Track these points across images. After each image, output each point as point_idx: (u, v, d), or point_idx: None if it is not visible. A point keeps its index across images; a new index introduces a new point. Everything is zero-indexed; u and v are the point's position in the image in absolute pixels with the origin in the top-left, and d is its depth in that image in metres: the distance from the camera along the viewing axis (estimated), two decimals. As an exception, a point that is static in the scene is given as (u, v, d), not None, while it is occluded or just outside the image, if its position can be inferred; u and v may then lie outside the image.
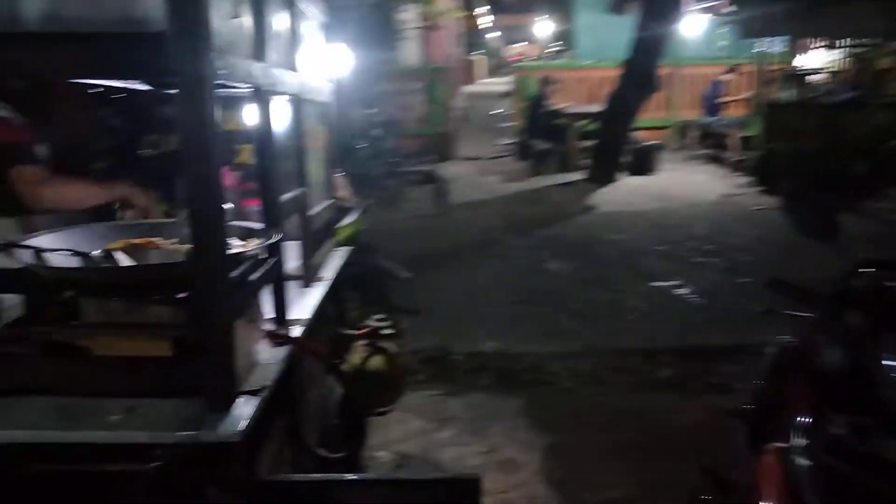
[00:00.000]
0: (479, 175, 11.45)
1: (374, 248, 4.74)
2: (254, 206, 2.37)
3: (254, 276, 1.59)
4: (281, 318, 1.86)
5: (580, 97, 12.59)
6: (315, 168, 2.82)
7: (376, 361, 2.76)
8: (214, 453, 1.26)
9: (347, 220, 4.56)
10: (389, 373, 2.78)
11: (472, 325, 5.11)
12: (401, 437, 3.59)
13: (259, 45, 1.74)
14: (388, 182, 10.00)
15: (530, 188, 10.23)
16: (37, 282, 1.45)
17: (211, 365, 1.33)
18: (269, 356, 1.66)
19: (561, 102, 11.70)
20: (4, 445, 1.26)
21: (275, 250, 1.78)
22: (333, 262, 2.73)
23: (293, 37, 2.17)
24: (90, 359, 1.39)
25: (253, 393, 1.43)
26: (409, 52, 14.13)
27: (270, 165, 1.76)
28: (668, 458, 3.24)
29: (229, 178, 2.94)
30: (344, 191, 4.63)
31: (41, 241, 1.57)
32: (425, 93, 12.78)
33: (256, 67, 1.67)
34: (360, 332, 2.73)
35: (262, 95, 1.72)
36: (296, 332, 1.85)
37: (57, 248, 1.48)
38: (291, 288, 2.26)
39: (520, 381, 4.24)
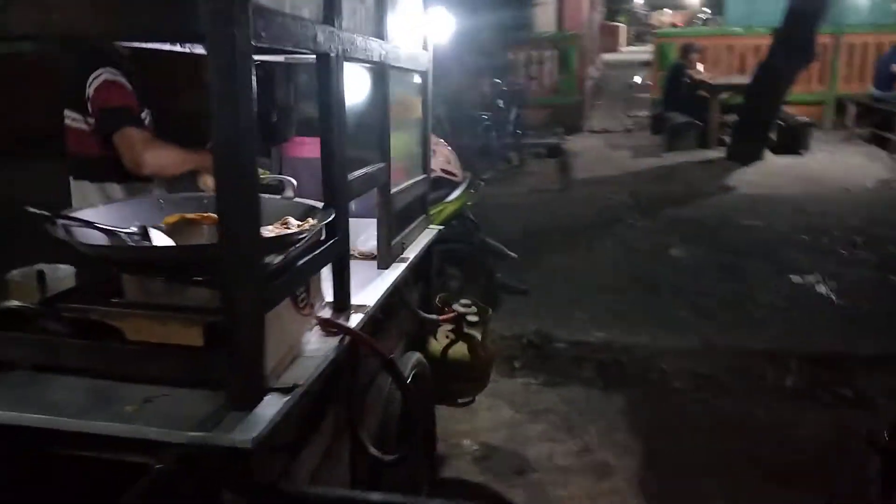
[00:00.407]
0: (608, 149, 10.94)
1: (480, 226, 4.54)
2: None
3: (303, 259, 1.46)
4: (341, 305, 1.73)
5: (726, 67, 11.67)
6: (406, 141, 2.68)
7: (459, 349, 2.62)
8: (226, 458, 1.15)
9: (453, 195, 4.44)
10: (472, 362, 2.63)
11: (579, 312, 4.85)
12: (489, 426, 3.43)
13: (330, 7, 1.58)
14: (509, 155, 9.77)
15: (663, 164, 9.62)
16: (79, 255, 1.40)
17: (233, 357, 1.21)
18: (318, 347, 1.54)
19: (704, 72, 10.89)
20: (19, 428, 1.21)
21: (335, 230, 1.64)
22: (421, 242, 2.58)
23: (380, 1, 2.01)
24: (120, 341, 1.32)
25: (285, 391, 1.31)
26: (544, 17, 13.66)
27: (334, 138, 1.61)
28: (784, 480, 2.89)
29: (306, 149, 2.86)
30: (452, 164, 4.48)
31: (93, 212, 1.52)
32: (557, 61, 12.32)
33: (323, 31, 1.52)
34: (444, 317, 2.59)
35: (327, 62, 1.57)
36: (355, 320, 1.72)
37: (93, 221, 1.41)
38: (364, 270, 2.15)
39: (625, 377, 3.95)
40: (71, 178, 2.54)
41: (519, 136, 9.81)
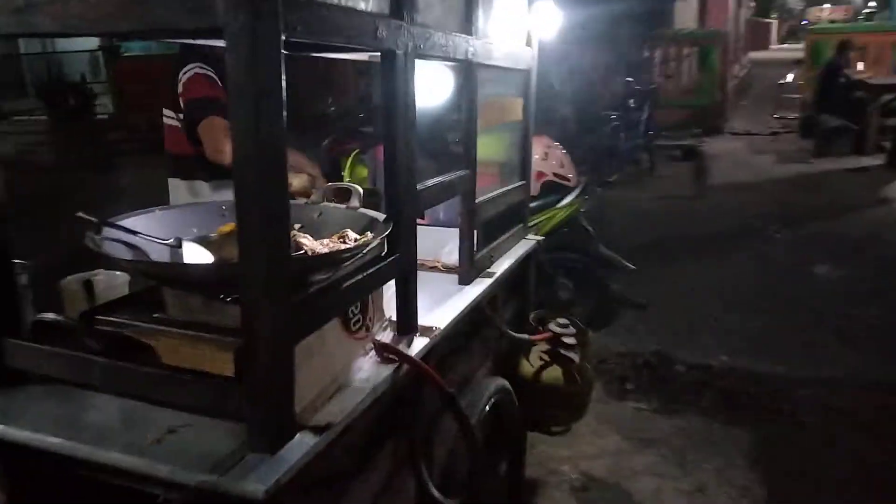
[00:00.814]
0: (750, 153, 10.20)
1: (594, 234, 4.26)
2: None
3: (353, 279, 1.31)
4: (406, 327, 1.57)
5: (888, 66, 10.52)
6: (502, 145, 2.48)
7: (553, 373, 2.39)
8: (237, 507, 1.01)
9: (564, 201, 4.19)
10: (567, 388, 2.40)
11: (703, 332, 4.44)
12: (591, 452, 3.17)
13: (401, 2, 1.42)
14: (639, 157, 9.30)
15: (811, 172, 8.82)
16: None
17: (252, 392, 1.08)
18: (370, 377, 1.38)
19: (863, 72, 9.87)
20: (40, 450, 1.14)
21: (397, 245, 1.48)
22: (515, 254, 2.38)
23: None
24: (150, 362, 1.22)
25: (317, 430, 1.16)
26: (685, 13, 12.95)
27: (399, 144, 1.45)
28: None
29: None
30: (565, 168, 4.23)
31: (147, 218, 1.44)
32: (697, 59, 11.63)
33: (387, 25, 1.36)
34: (537, 337, 2.37)
35: (392, 59, 1.41)
36: (419, 344, 1.55)
37: (134, 230, 1.33)
38: (447, 284, 1.98)
39: (749, 408, 3.54)
40: (168, 177, 2.56)
41: (650, 137, 9.31)
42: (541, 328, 2.45)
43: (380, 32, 1.34)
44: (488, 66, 2.04)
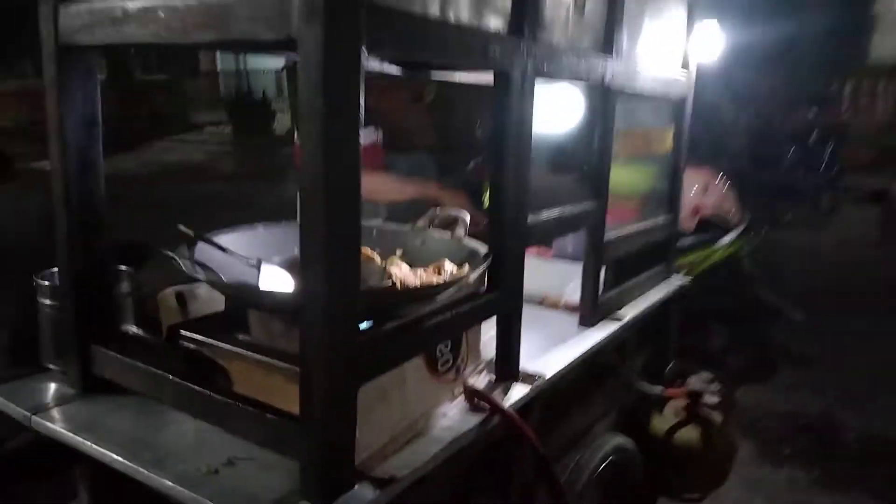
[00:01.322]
0: (956, 198, 8.93)
1: (756, 277, 3.85)
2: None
3: (438, 318, 1.19)
4: (505, 373, 1.42)
5: None
6: (645, 177, 2.27)
7: (689, 433, 2.13)
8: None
9: (724, 240, 3.83)
10: (705, 452, 2.12)
11: (883, 397, 3.86)
12: (733, 526, 2.81)
13: (520, 13, 1.29)
14: (820, 196, 8.45)
15: None
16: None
17: (307, 433, 0.98)
18: (454, 425, 1.25)
19: None
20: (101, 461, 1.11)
21: (498, 281, 1.34)
22: (653, 296, 2.15)
23: (613, 13, 1.66)
24: (221, 386, 1.17)
25: (379, 482, 1.05)
26: (885, 42, 11.72)
27: (507, 170, 1.31)
28: None
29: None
30: (726, 204, 3.87)
31: (249, 235, 1.42)
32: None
33: (501, 43, 1.24)
34: (673, 392, 2.12)
35: (507, 80, 1.28)
36: (519, 392, 1.39)
37: (224, 247, 1.29)
38: (567, 325, 1.81)
39: (934, 498, 3.00)
40: None
41: (834, 175, 8.44)
42: (679, 382, 2.20)
43: (491, 51, 1.22)
44: (629, 92, 1.85)
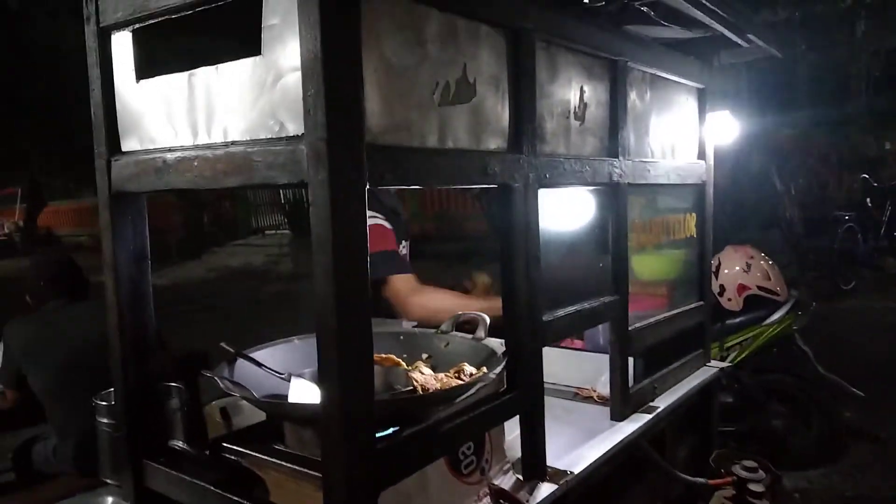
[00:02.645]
0: None
1: (810, 354, 3.76)
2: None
3: (461, 417, 1.26)
4: (532, 472, 1.46)
5: None
6: (670, 264, 2.32)
7: (737, 525, 2.07)
8: None
9: (773, 317, 3.77)
10: (754, 546, 2.05)
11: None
12: None
13: (517, 133, 1.41)
14: (883, 261, 8.19)
15: None
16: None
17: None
18: (482, 525, 1.29)
19: None
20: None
21: (516, 381, 1.40)
22: (689, 383, 2.15)
23: (615, 116, 1.77)
24: (260, 496, 1.25)
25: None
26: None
27: (518, 272, 1.40)
28: None
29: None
30: (772, 280, 3.84)
31: (276, 350, 1.53)
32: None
33: (501, 161, 1.36)
34: (717, 482, 2.08)
35: (509, 192, 1.39)
36: (546, 491, 1.43)
37: (261, 362, 1.40)
38: (600, 418, 1.84)
39: None
40: None
41: (895, 239, 8.21)
42: (724, 471, 2.16)
43: (490, 169, 1.33)
44: (644, 186, 1.94)
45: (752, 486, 2.08)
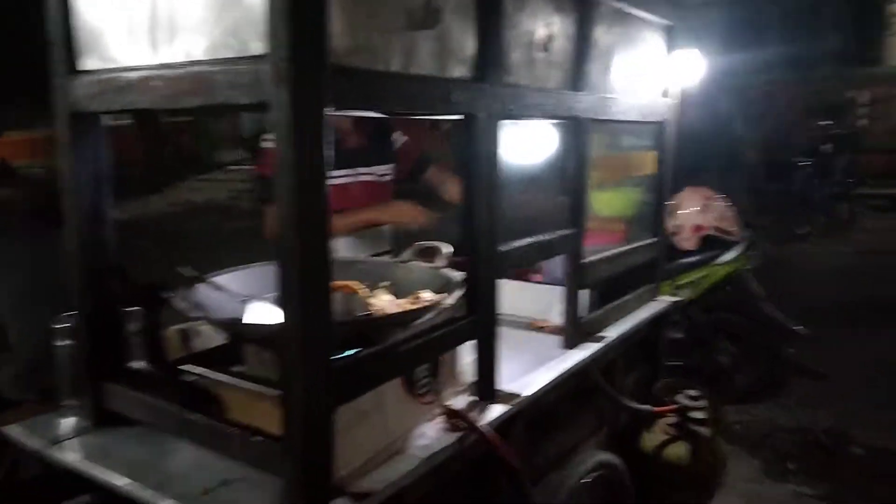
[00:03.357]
0: (977, 204, 8.87)
1: (760, 293, 3.89)
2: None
3: (416, 340, 1.30)
4: (484, 393, 1.52)
5: None
6: (628, 201, 2.37)
7: (677, 450, 2.20)
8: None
9: (725, 256, 3.89)
10: (693, 467, 2.18)
11: (891, 413, 3.86)
12: (736, 540, 2.85)
13: (483, 63, 1.41)
14: (836, 207, 8.43)
15: None
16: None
17: (287, 452, 1.09)
18: (431, 444, 1.35)
19: None
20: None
21: (474, 306, 1.45)
22: (638, 316, 2.23)
23: (581, 50, 1.78)
24: (218, 414, 1.29)
25: (357, 497, 1.15)
26: (899, 49, 11.69)
27: (478, 202, 1.43)
28: None
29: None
30: (726, 221, 3.94)
31: (231, 277, 1.54)
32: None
33: (465, 91, 1.36)
34: (661, 409, 2.19)
35: (473, 122, 1.40)
36: (496, 412, 1.49)
37: (222, 286, 1.42)
38: (551, 348, 1.90)
39: (944, 509, 3.01)
40: None
41: (850, 185, 8.42)
42: (668, 399, 2.27)
43: (454, 97, 1.34)
44: (606, 121, 1.96)
45: (694, 414, 2.20)
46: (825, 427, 3.69)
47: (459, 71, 1.38)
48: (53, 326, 1.48)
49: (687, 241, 3.90)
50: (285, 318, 1.05)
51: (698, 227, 3.88)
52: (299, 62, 0.99)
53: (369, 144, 2.57)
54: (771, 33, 8.54)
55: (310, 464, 1.10)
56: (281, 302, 1.05)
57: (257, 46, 1.05)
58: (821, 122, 8.67)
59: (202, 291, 1.43)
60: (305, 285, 1.04)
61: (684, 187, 4.02)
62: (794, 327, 3.88)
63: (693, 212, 3.90)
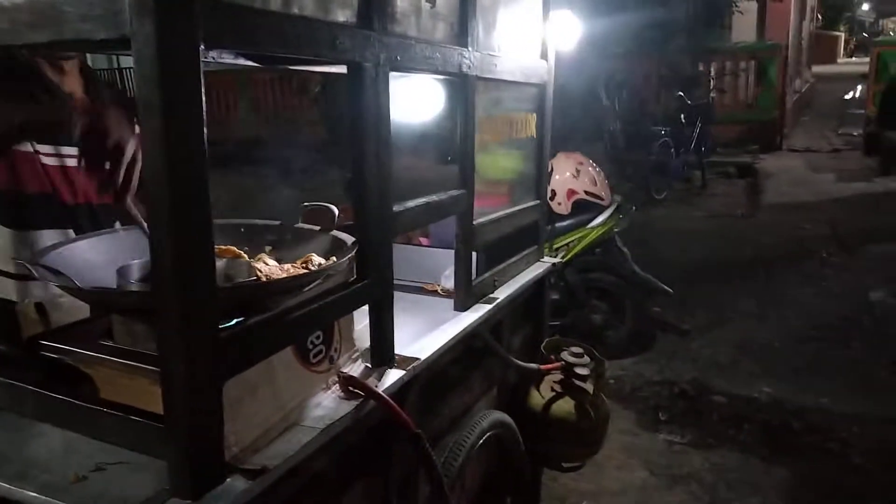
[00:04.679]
0: (809, 171, 9.77)
1: (628, 255, 4.07)
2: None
3: (307, 307, 1.21)
4: (380, 359, 1.46)
5: (962, 79, 9.96)
6: (511, 163, 2.36)
7: (564, 406, 2.24)
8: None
9: (597, 220, 4.03)
10: (579, 422, 2.24)
11: (748, 361, 4.20)
12: (616, 488, 2.99)
13: (367, 6, 1.32)
14: (690, 174, 9.01)
15: (874, 191, 8.36)
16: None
17: (171, 431, 0.98)
18: (328, 413, 1.28)
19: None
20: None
21: (366, 270, 1.38)
22: (524, 277, 2.24)
23: (466, 4, 1.72)
24: (87, 393, 1.15)
25: (251, 474, 1.06)
26: (743, 25, 12.58)
27: (368, 161, 1.35)
28: None
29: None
30: (598, 186, 4.07)
31: (93, 242, 1.38)
32: (755, 74, 11.25)
33: (352, 36, 1.27)
34: (547, 366, 2.22)
35: (360, 72, 1.32)
36: (393, 377, 1.44)
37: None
38: (444, 310, 1.87)
39: (793, 445, 3.30)
40: None
41: (702, 153, 9.01)
42: (553, 357, 2.31)
43: (340, 43, 1.24)
44: (491, 81, 1.93)
45: (579, 370, 2.25)
46: (689, 378, 3.94)
47: (343, 15, 1.28)
48: None
49: (561, 206, 4.00)
50: (163, 284, 0.93)
51: (572, 192, 3.99)
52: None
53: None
54: (627, 3, 8.87)
55: (197, 443, 1.00)
56: (156, 267, 0.93)
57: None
58: (675, 94, 9.17)
59: (62, 257, 1.27)
60: (183, 242, 0.92)
61: (556, 153, 4.11)
62: (662, 287, 4.10)
63: (567, 177, 4.01)
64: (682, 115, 8.84)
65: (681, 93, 9.07)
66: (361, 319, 1.47)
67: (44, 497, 1.01)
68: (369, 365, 1.46)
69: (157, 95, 0.88)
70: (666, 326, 4.62)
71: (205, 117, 0.94)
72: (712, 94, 10.36)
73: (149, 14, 0.86)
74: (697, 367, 4.11)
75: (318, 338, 1.31)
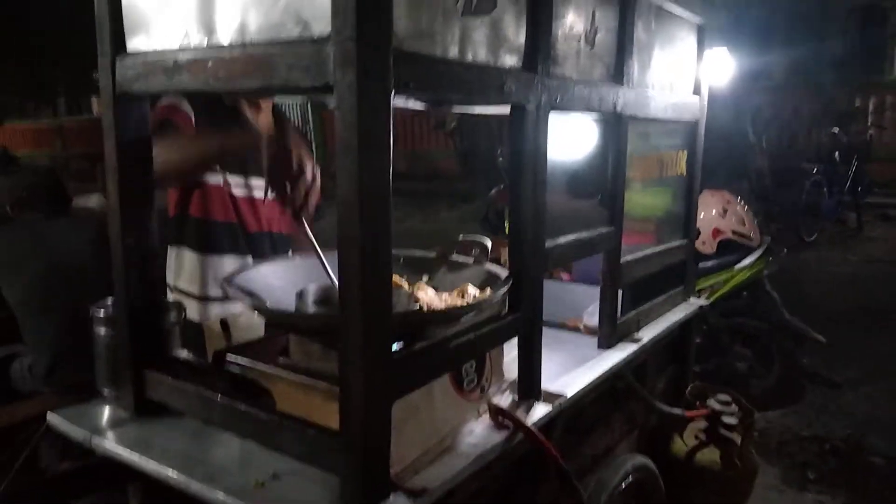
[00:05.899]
0: None
1: (779, 299, 3.87)
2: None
3: (462, 338, 1.27)
4: (526, 392, 1.49)
5: None
6: (660, 201, 2.34)
7: (709, 455, 2.17)
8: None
9: (744, 262, 3.86)
10: (724, 473, 2.15)
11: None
12: (759, 547, 2.81)
13: (533, 50, 1.39)
14: (845, 216, 8.41)
15: None
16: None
17: (346, 446, 1.06)
18: (480, 442, 1.32)
19: None
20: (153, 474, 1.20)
21: (518, 303, 1.42)
22: (670, 318, 2.20)
23: (623, 44, 1.75)
24: (267, 406, 1.26)
25: (412, 493, 1.12)
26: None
27: (525, 198, 1.40)
28: None
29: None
30: (746, 226, 3.92)
31: (275, 268, 1.51)
32: (921, 109, 10.40)
33: (517, 79, 1.33)
34: (692, 413, 2.16)
35: (522, 113, 1.38)
36: (540, 412, 1.46)
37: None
38: (587, 347, 1.88)
39: (966, 519, 2.98)
40: None
41: (858, 194, 8.40)
42: (699, 403, 2.24)
43: (507, 87, 1.31)
44: (640, 119, 1.94)
45: (726, 419, 2.17)
46: (842, 435, 3.66)
47: (511, 60, 1.35)
48: (91, 314, 1.45)
49: (705, 245, 3.88)
50: (346, 307, 1.02)
51: (717, 231, 3.86)
52: (365, 43, 0.96)
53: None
54: (777, 36, 8.51)
55: (368, 459, 1.07)
56: (342, 291, 1.02)
57: (320, 28, 1.02)
58: (829, 130, 8.64)
59: (250, 280, 1.40)
60: (368, 272, 1.01)
61: (702, 190, 3.99)
62: (814, 335, 3.86)
63: (713, 215, 3.88)
64: (837, 153, 8.30)
65: (836, 129, 8.53)
66: (509, 352, 1.51)
67: (232, 498, 1.12)
68: (516, 397, 1.49)
69: (353, 138, 0.97)
70: (816, 377, 4.32)
71: (391, 157, 1.02)
72: (870, 131, 9.65)
73: (351, 65, 0.96)
74: (852, 423, 3.80)
75: (471, 366, 1.37)
